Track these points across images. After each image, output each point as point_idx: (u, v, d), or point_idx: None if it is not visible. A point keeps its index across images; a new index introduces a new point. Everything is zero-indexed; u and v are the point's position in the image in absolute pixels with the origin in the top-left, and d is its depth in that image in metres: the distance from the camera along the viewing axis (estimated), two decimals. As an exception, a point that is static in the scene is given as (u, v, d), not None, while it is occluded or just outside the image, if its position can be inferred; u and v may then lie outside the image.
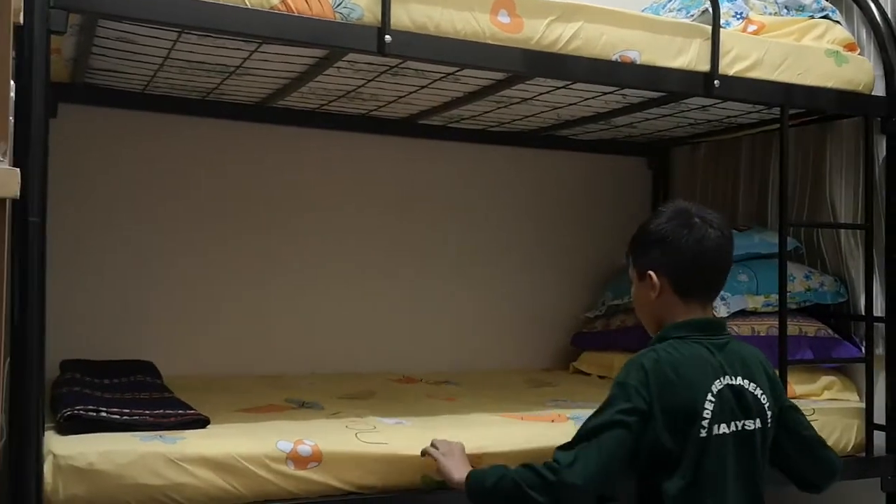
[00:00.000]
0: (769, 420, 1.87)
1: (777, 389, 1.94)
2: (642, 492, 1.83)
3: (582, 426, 1.80)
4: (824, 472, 2.01)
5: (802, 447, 1.97)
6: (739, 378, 1.84)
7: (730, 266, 1.95)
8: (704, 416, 1.76)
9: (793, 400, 2.63)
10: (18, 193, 1.41)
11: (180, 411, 2.16)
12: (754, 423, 1.84)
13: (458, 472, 1.94)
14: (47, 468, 1.80)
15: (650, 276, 1.88)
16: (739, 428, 1.81)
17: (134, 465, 1.85)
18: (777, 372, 1.99)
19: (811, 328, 2.92)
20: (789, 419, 1.95)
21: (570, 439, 1.81)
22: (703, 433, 1.76)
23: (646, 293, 1.91)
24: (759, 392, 1.86)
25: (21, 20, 1.66)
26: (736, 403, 1.82)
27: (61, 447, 1.85)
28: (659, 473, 1.78)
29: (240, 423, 2.22)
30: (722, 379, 1.81)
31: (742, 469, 1.82)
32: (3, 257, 1.39)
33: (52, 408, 2.13)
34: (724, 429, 1.79)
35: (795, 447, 1.95)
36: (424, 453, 2.05)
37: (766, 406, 1.87)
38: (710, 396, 1.78)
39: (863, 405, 2.79)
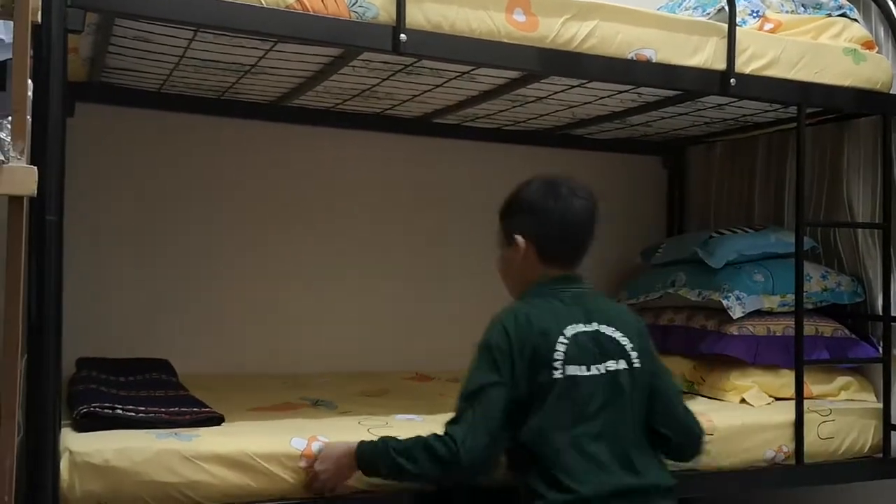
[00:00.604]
0: (635, 362, 1.92)
1: (646, 344, 1.98)
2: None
3: (459, 394, 1.88)
4: (686, 436, 2.03)
5: (665, 409, 1.98)
6: (595, 324, 1.92)
7: (593, 234, 2.02)
8: (556, 357, 1.84)
9: (809, 400, 2.65)
10: (36, 192, 1.43)
11: (195, 409, 2.17)
12: (617, 364, 1.90)
13: (347, 470, 1.96)
14: (64, 465, 1.81)
15: (517, 240, 1.99)
16: (602, 370, 1.87)
17: (149, 463, 1.86)
18: (648, 332, 2.04)
19: (828, 328, 2.90)
20: (657, 382, 1.98)
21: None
22: (557, 374, 1.83)
23: (512, 256, 2.03)
24: (618, 335, 1.93)
25: (39, 19, 1.67)
26: (594, 346, 1.89)
27: (78, 444, 1.86)
28: (519, 418, 1.85)
29: (254, 421, 2.23)
30: (575, 325, 1.89)
31: (612, 408, 1.86)
32: (20, 255, 1.40)
33: (69, 405, 2.14)
34: (581, 370, 1.85)
35: (659, 409, 1.97)
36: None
37: (630, 348, 1.92)
38: (562, 339, 1.86)
39: (880, 406, 2.77)
